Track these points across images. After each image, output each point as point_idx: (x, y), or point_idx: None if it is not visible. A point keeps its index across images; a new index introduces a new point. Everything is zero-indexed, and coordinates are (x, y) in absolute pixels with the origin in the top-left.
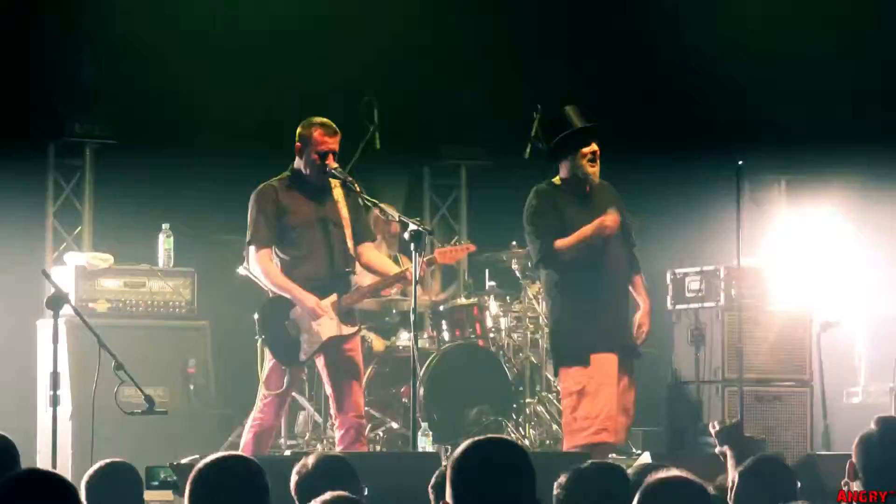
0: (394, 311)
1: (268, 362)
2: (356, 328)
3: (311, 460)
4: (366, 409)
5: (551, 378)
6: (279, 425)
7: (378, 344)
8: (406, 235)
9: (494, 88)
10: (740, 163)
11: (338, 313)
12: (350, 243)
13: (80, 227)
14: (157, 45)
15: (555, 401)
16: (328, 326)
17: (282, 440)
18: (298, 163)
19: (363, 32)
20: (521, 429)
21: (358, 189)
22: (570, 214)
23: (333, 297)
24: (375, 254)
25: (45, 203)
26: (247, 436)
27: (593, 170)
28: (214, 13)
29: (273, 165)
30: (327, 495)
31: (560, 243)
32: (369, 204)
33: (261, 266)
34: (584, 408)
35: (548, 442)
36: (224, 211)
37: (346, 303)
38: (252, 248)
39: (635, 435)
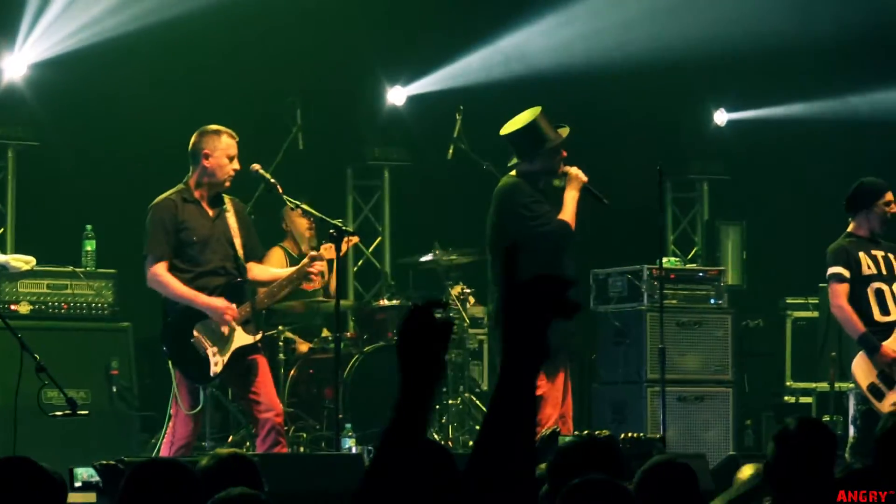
0: (317, 312)
1: (176, 381)
2: (259, 335)
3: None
4: (290, 410)
5: (476, 378)
6: (195, 440)
7: (302, 346)
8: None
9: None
10: (658, 167)
11: (239, 322)
12: (241, 255)
13: (2, 229)
14: (81, 47)
15: (477, 401)
16: (234, 337)
17: (205, 443)
18: (200, 173)
19: (286, 32)
20: (443, 430)
21: (280, 190)
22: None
23: (232, 307)
24: (260, 268)
25: None
26: (162, 453)
27: (564, 171)
28: (139, 12)
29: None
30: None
31: (565, 216)
32: (292, 205)
33: (161, 278)
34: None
35: (471, 442)
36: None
37: (257, 308)
38: (150, 261)
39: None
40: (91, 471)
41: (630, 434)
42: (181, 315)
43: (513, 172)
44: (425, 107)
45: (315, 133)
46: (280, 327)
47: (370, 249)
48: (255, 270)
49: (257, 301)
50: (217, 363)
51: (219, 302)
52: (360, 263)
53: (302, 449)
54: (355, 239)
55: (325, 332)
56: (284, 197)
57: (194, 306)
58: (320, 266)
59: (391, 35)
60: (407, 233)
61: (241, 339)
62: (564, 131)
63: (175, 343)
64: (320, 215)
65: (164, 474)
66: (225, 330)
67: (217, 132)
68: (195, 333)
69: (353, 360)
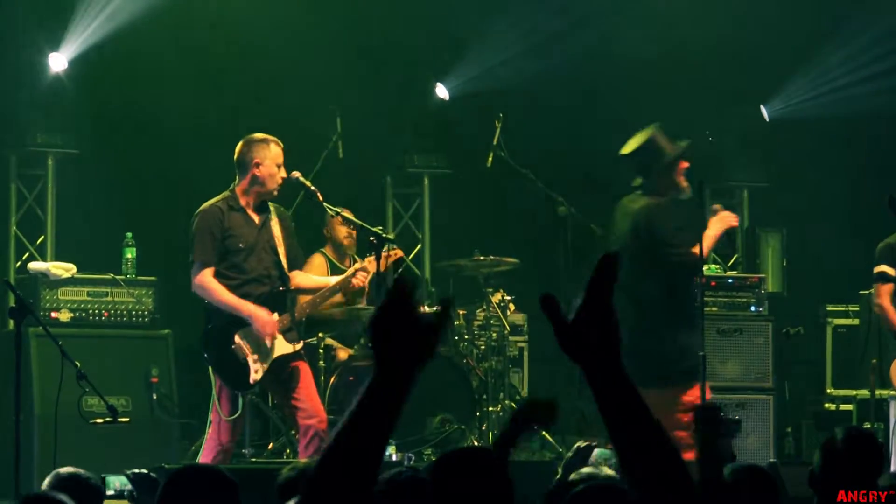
0: (357, 319)
1: (217, 387)
2: (300, 344)
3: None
4: (330, 417)
5: (516, 385)
6: (235, 446)
7: (342, 353)
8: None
9: (459, 97)
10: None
11: (281, 331)
12: (285, 264)
13: (42, 237)
14: (119, 53)
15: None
16: (274, 346)
17: (245, 450)
18: (250, 182)
19: (326, 41)
20: (483, 437)
21: (321, 198)
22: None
23: (275, 315)
24: (303, 276)
25: (8, 213)
26: (202, 459)
27: (686, 184)
28: (178, 23)
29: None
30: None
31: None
32: (332, 212)
33: (208, 285)
34: None
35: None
36: (188, 220)
37: (297, 318)
38: (197, 267)
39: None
40: (123, 479)
41: None
42: (223, 322)
43: (640, 193)
44: (465, 112)
45: (355, 141)
46: (320, 334)
47: (410, 257)
48: (299, 278)
49: (298, 310)
50: (257, 370)
51: (262, 313)
52: (399, 271)
53: None
54: (399, 253)
55: (365, 339)
56: (325, 204)
57: (238, 315)
58: (363, 278)
59: (433, 39)
60: (447, 240)
61: (282, 347)
62: (683, 144)
63: (216, 349)
64: (360, 223)
65: (202, 480)
66: (267, 338)
67: (265, 141)
68: (236, 340)
69: None
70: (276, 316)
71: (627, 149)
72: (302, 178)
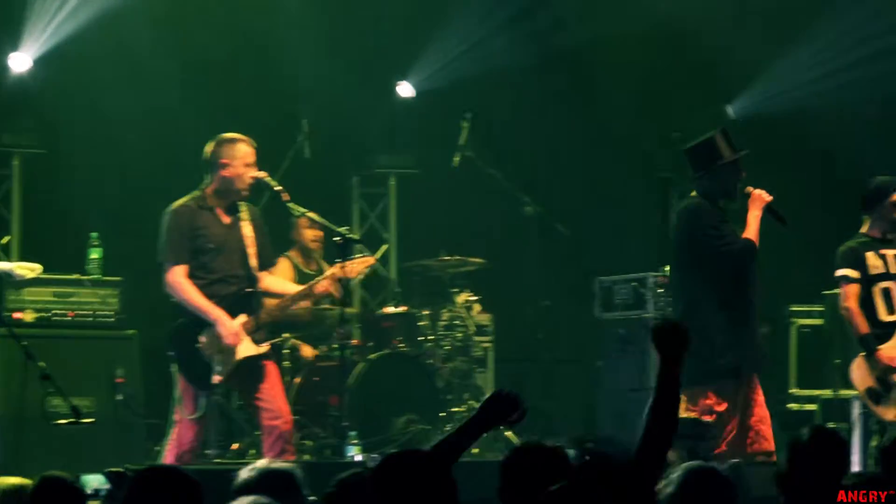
0: (323, 320)
1: (180, 386)
2: (267, 346)
3: (250, 472)
4: (295, 417)
5: (481, 386)
6: (199, 447)
7: (307, 352)
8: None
9: (424, 98)
10: (662, 177)
11: (248, 334)
12: (255, 264)
13: (7, 237)
14: (86, 54)
15: None
16: (241, 348)
17: (209, 451)
18: (219, 183)
19: (292, 41)
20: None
21: (287, 198)
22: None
23: (243, 317)
24: (273, 279)
25: None
26: (165, 459)
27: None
28: (145, 22)
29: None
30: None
31: (749, 235)
32: (297, 212)
33: (179, 285)
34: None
35: (475, 450)
36: (154, 220)
37: (265, 319)
38: (169, 267)
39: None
40: (101, 478)
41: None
42: (190, 319)
43: (693, 193)
44: (432, 112)
45: (321, 141)
46: (285, 335)
47: (376, 257)
48: (268, 281)
49: (265, 312)
50: (220, 371)
51: (229, 323)
52: (367, 275)
53: (307, 456)
54: (371, 260)
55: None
56: (290, 205)
57: (206, 318)
58: (328, 284)
59: (397, 38)
60: (413, 240)
61: (248, 349)
62: (742, 152)
63: (182, 347)
64: (327, 223)
65: (166, 481)
66: (231, 344)
67: (234, 141)
68: (202, 339)
69: (358, 368)
70: (242, 317)
71: (689, 145)
72: (268, 179)
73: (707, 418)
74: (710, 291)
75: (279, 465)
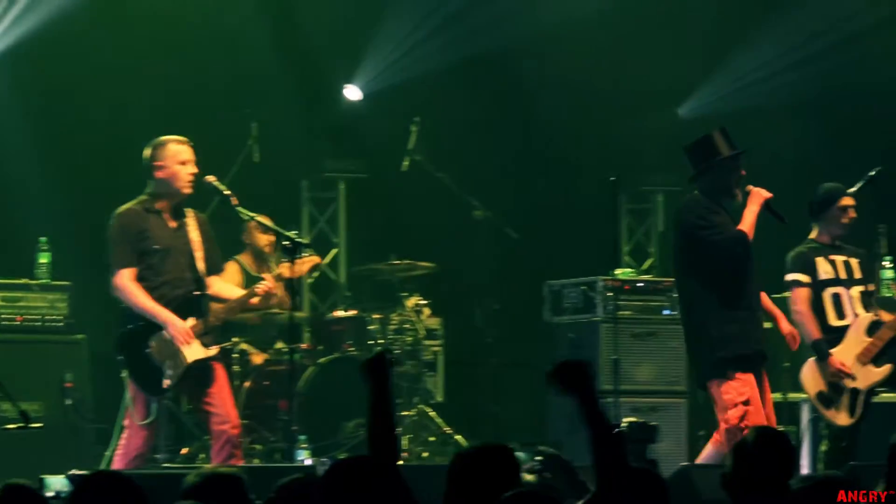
0: (272, 324)
1: (131, 392)
2: (216, 349)
3: (196, 477)
4: (244, 421)
5: (431, 390)
6: (148, 452)
7: (257, 357)
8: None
9: (373, 101)
10: (612, 178)
11: (196, 336)
12: (202, 267)
13: None
14: (34, 56)
15: (432, 413)
16: (190, 351)
17: (159, 455)
18: (156, 186)
19: (242, 45)
20: (398, 441)
21: (236, 202)
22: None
23: (191, 320)
24: (221, 284)
25: None
26: (115, 464)
27: (740, 195)
28: (95, 24)
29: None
30: None
31: (743, 227)
32: (246, 216)
33: (127, 288)
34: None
35: (425, 454)
36: (103, 225)
37: (213, 322)
38: (115, 269)
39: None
40: (64, 481)
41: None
42: (139, 325)
43: (695, 192)
44: (380, 114)
45: (270, 145)
46: (235, 339)
47: (326, 261)
48: (217, 286)
49: (214, 315)
50: (171, 376)
51: (178, 323)
52: (315, 275)
53: (256, 461)
54: (316, 259)
55: (280, 344)
56: (239, 209)
57: (155, 320)
58: (264, 287)
59: (344, 40)
60: (362, 244)
61: (197, 352)
62: (740, 151)
63: (131, 352)
64: (276, 227)
65: (110, 487)
66: (181, 345)
67: (164, 142)
68: (151, 344)
69: (308, 372)
70: (191, 320)
71: (687, 143)
72: (217, 183)
73: (734, 413)
74: (706, 285)
75: (225, 469)
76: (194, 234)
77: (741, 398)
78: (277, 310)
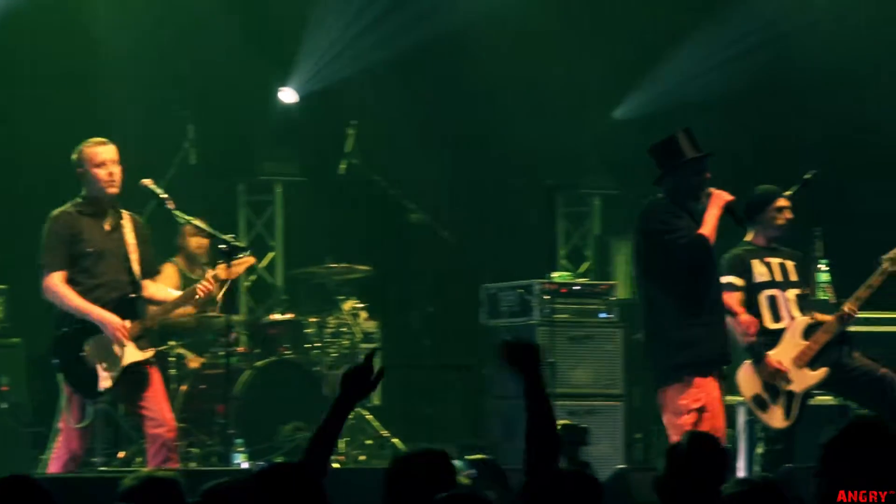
0: (209, 327)
1: (66, 395)
2: (152, 352)
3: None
4: (181, 425)
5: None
6: (85, 455)
7: (193, 361)
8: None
9: (310, 104)
10: (548, 182)
11: (132, 338)
12: (137, 271)
13: None
14: None
15: (369, 416)
16: (126, 354)
17: (95, 458)
18: (85, 189)
19: (179, 48)
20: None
21: (172, 205)
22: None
23: (127, 323)
24: (157, 287)
25: None
26: (51, 468)
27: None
28: (26, 27)
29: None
30: None
31: (704, 230)
32: (182, 220)
33: (57, 289)
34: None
35: (362, 457)
36: (38, 228)
37: (148, 325)
38: (46, 272)
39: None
40: None
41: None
42: (73, 328)
43: (659, 194)
44: (316, 117)
45: (207, 148)
46: (171, 342)
47: (263, 264)
48: (152, 288)
49: (149, 317)
50: (106, 378)
51: (113, 319)
52: (252, 278)
53: (193, 464)
54: (252, 260)
55: (216, 349)
56: (175, 212)
57: (88, 319)
58: (206, 288)
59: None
60: (299, 248)
61: (133, 355)
62: (705, 152)
63: (66, 356)
64: (212, 231)
65: (12, 489)
66: (117, 346)
67: (83, 147)
68: (86, 348)
69: (244, 376)
70: (126, 323)
71: (652, 144)
72: (153, 186)
73: (687, 419)
74: (666, 289)
75: (162, 473)
76: (130, 237)
77: (696, 404)
78: (213, 313)
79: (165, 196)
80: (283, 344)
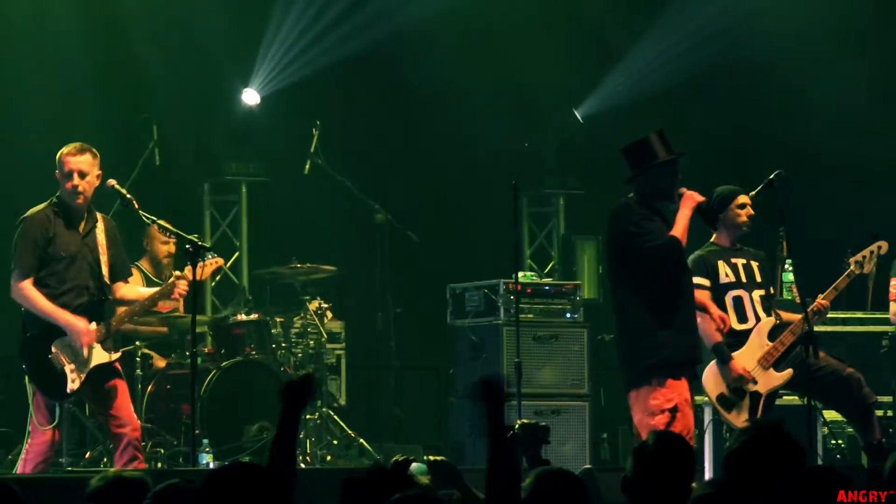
0: (174, 328)
1: (34, 397)
2: (118, 353)
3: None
4: (147, 426)
5: (333, 393)
6: (53, 456)
7: (159, 362)
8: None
9: (274, 104)
10: (513, 182)
11: (98, 340)
12: (106, 273)
13: None
14: None
15: (335, 416)
16: (91, 355)
17: (63, 459)
18: (60, 192)
19: (143, 47)
20: (300, 445)
21: (136, 206)
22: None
23: (93, 325)
24: (128, 288)
25: None
26: (21, 468)
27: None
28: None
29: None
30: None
31: (675, 232)
32: (148, 220)
33: (26, 292)
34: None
35: (328, 457)
36: (9, 229)
37: (115, 327)
38: (17, 274)
39: (415, 450)
40: None
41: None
42: (40, 331)
43: (631, 195)
44: (279, 117)
45: (171, 148)
46: (137, 343)
47: (228, 265)
48: (123, 290)
49: (115, 319)
50: (74, 380)
51: (80, 323)
52: (217, 278)
53: (160, 465)
54: (220, 261)
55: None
56: (140, 212)
57: (55, 323)
58: (185, 287)
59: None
60: (265, 248)
61: (99, 356)
62: (678, 154)
63: (33, 359)
64: (177, 231)
65: None
66: (83, 348)
67: (60, 151)
68: (53, 350)
69: (210, 376)
70: (93, 325)
71: (625, 145)
72: (118, 186)
73: (660, 419)
74: (637, 291)
75: (130, 473)
76: (102, 241)
77: (669, 405)
78: (179, 313)
79: (130, 196)
80: (248, 344)
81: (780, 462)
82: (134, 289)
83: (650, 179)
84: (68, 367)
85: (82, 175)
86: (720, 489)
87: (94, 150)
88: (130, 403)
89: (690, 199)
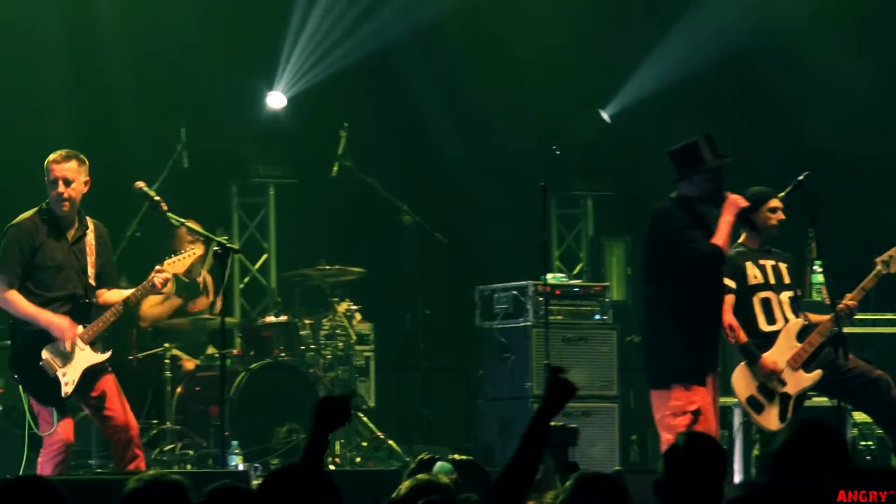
0: (203, 330)
1: (32, 405)
2: (108, 354)
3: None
4: (177, 427)
5: (363, 395)
6: (69, 456)
7: (188, 363)
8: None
9: (302, 108)
10: (542, 184)
11: (87, 343)
12: (92, 281)
13: None
14: None
15: (364, 418)
16: (83, 357)
17: (92, 461)
18: (49, 199)
19: (172, 51)
20: (329, 447)
21: (165, 208)
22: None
23: (80, 328)
24: (111, 293)
25: None
26: (39, 471)
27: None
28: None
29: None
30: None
31: (717, 240)
32: (176, 222)
33: (9, 297)
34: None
35: (357, 459)
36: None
37: (102, 326)
38: (1, 281)
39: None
40: None
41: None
42: (29, 339)
43: (672, 195)
44: (307, 119)
45: (200, 151)
46: (166, 344)
47: (256, 266)
48: (106, 295)
49: (100, 321)
50: (68, 383)
51: (61, 321)
52: (246, 280)
53: (189, 466)
54: (199, 251)
55: (210, 350)
56: (169, 214)
57: (38, 324)
58: (163, 278)
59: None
60: (293, 249)
61: (90, 358)
62: (727, 159)
63: (25, 368)
64: (205, 233)
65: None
66: (73, 351)
67: (47, 158)
68: (44, 356)
69: (239, 378)
70: (80, 328)
71: (672, 148)
72: (146, 189)
73: (681, 420)
74: (672, 295)
75: (169, 476)
76: (91, 248)
77: (691, 407)
78: (208, 315)
79: (158, 199)
80: (277, 346)
81: (827, 458)
82: (116, 292)
83: (696, 184)
84: (60, 372)
85: (67, 182)
86: (754, 491)
87: (81, 156)
88: (125, 401)
89: (734, 204)
